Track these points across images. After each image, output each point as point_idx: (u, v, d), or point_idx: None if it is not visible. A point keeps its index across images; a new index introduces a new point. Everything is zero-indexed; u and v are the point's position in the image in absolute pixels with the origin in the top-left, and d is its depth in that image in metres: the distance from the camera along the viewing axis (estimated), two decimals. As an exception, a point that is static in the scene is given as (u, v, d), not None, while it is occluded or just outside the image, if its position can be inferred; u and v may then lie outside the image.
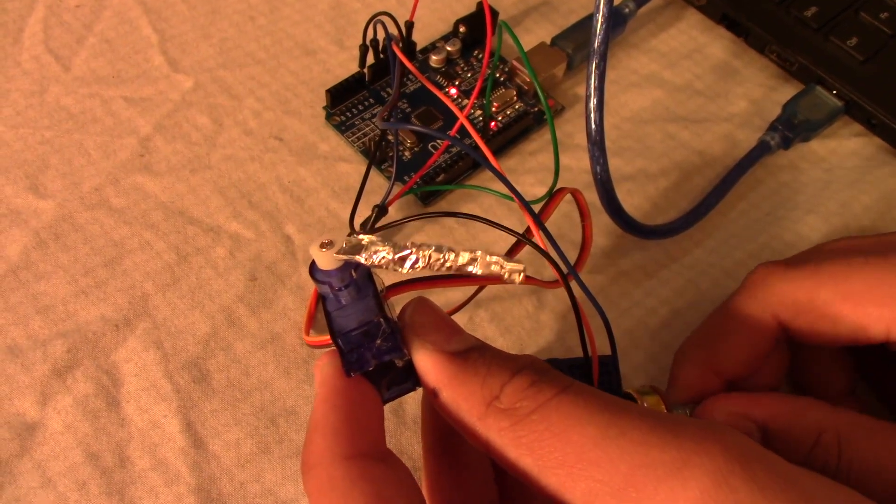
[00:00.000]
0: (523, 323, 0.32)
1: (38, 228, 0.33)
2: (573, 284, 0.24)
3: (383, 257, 0.19)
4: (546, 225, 0.25)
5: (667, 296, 0.33)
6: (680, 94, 0.40)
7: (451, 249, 0.19)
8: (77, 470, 0.28)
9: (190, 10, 0.41)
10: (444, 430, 0.24)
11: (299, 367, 0.30)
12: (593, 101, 0.28)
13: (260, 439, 0.29)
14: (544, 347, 0.32)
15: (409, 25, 0.37)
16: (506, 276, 0.19)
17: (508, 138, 0.37)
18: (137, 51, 0.39)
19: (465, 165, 0.36)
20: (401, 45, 0.37)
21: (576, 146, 0.37)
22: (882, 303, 0.25)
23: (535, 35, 0.41)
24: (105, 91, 0.37)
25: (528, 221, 0.25)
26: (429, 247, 0.19)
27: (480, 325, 0.32)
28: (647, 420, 0.18)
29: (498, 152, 0.37)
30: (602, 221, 0.33)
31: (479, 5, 0.40)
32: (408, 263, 0.19)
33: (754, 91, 0.40)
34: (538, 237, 0.25)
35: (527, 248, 0.28)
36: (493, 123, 0.37)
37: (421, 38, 0.40)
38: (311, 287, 0.32)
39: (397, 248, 0.19)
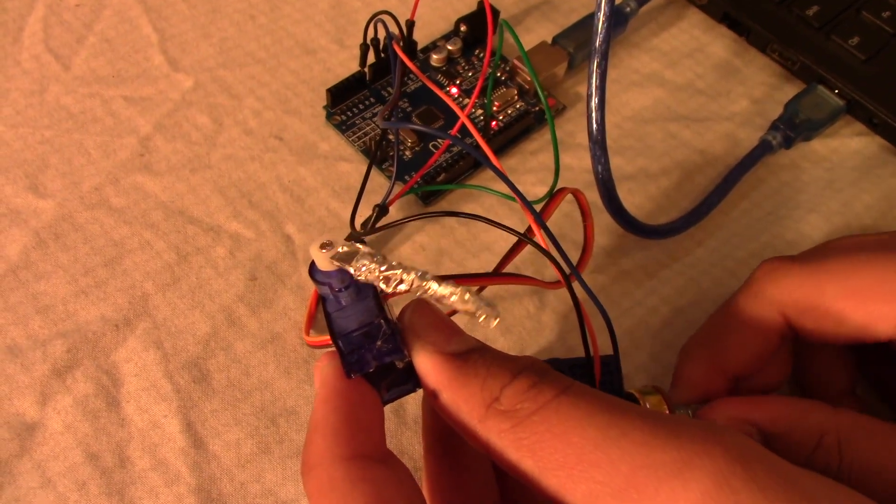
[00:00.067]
0: (524, 323, 0.32)
1: (38, 228, 0.33)
2: (575, 284, 0.24)
3: (370, 272, 0.19)
4: (547, 224, 0.24)
5: (668, 295, 0.33)
6: (681, 94, 0.40)
7: (435, 278, 0.19)
8: (77, 470, 0.28)
9: (190, 10, 0.41)
10: (444, 431, 0.24)
11: (299, 366, 0.30)
12: (595, 101, 0.28)
13: (260, 439, 0.29)
14: (545, 347, 0.32)
15: (410, 24, 0.37)
16: (480, 319, 0.19)
17: (509, 138, 0.37)
18: (137, 50, 0.39)
19: (465, 165, 0.36)
20: (401, 44, 0.37)
21: (577, 145, 0.37)
22: (888, 300, 0.24)
23: (536, 34, 0.41)
24: (105, 90, 0.37)
25: (530, 221, 0.24)
26: (416, 272, 0.19)
27: (481, 325, 0.32)
28: (648, 421, 0.18)
29: (499, 152, 0.37)
30: (603, 221, 0.33)
31: (480, 4, 0.40)
32: (392, 283, 0.19)
33: (756, 90, 0.40)
34: (540, 237, 0.25)
35: (528, 248, 0.28)
36: (493, 123, 0.37)
37: (422, 37, 0.40)
38: (311, 287, 0.32)
39: (387, 265, 0.19)
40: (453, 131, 0.34)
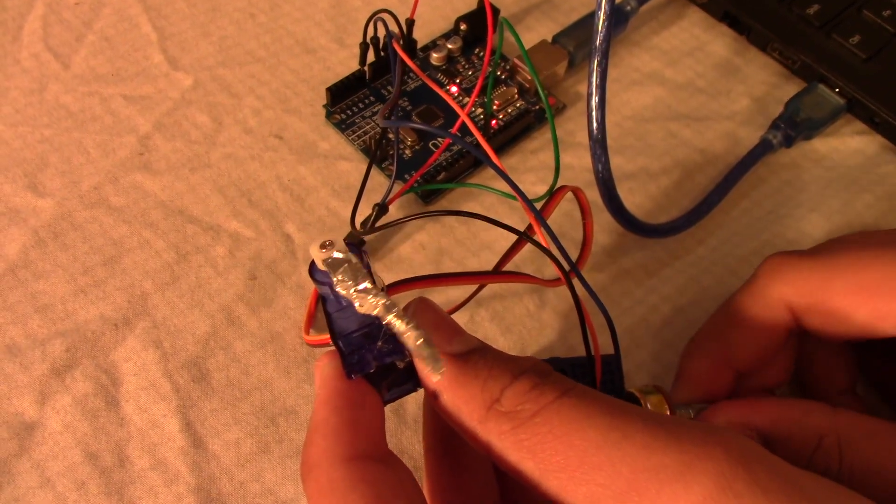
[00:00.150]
0: (525, 322, 0.32)
1: (37, 227, 0.33)
2: (575, 283, 0.24)
3: (346, 288, 0.19)
4: (547, 223, 0.24)
5: (669, 293, 0.33)
6: (682, 92, 0.40)
7: (398, 314, 0.19)
8: (76, 470, 0.28)
9: (190, 8, 0.41)
10: (445, 432, 0.24)
11: (299, 366, 0.30)
12: (595, 99, 0.28)
13: (260, 439, 0.29)
14: (546, 346, 0.32)
15: (410, 23, 0.37)
16: (427, 368, 0.19)
17: (509, 136, 0.37)
18: (137, 49, 0.39)
19: (465, 164, 0.36)
20: (401, 42, 0.37)
21: (577, 144, 0.37)
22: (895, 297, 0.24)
23: (536, 33, 0.41)
24: (104, 89, 0.37)
25: (531, 219, 0.24)
26: (384, 301, 0.19)
27: (481, 324, 0.32)
28: (650, 423, 0.18)
29: (499, 150, 0.37)
30: (603, 220, 0.33)
31: (481, 3, 0.40)
32: (363, 305, 0.19)
33: (756, 89, 0.40)
34: (540, 235, 0.25)
35: (528, 247, 0.28)
36: (494, 122, 0.37)
37: (422, 36, 0.39)
38: (310, 286, 0.32)
39: (363, 285, 0.19)
40: (453, 130, 0.34)
